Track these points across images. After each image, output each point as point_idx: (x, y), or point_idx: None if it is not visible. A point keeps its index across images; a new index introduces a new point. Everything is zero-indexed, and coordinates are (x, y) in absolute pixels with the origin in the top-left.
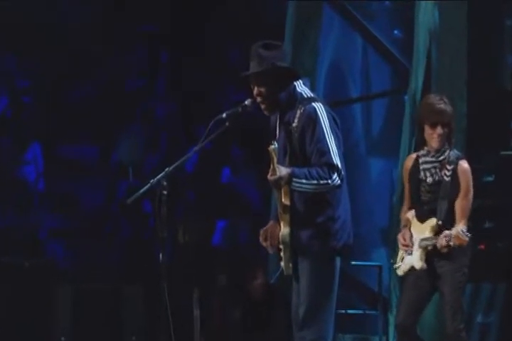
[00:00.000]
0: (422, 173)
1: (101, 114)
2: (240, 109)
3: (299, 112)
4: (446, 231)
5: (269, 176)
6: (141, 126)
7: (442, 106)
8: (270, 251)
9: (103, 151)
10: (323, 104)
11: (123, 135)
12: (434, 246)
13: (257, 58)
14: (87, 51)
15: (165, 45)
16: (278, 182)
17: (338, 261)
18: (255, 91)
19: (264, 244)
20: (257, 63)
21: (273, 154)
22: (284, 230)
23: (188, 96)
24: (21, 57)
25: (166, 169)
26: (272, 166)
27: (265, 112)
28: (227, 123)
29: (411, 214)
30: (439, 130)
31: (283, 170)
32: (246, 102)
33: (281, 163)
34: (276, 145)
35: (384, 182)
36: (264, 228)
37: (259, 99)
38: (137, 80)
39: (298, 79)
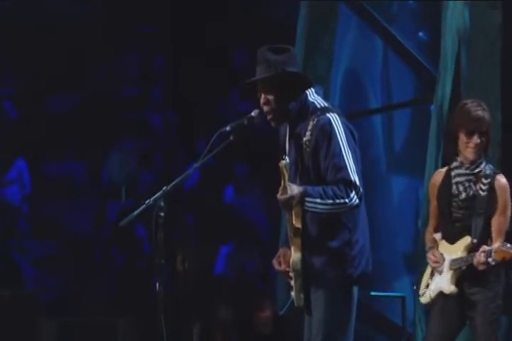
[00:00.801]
0: (454, 187)
1: (89, 126)
2: (245, 121)
3: (311, 124)
4: (485, 246)
5: (278, 195)
6: (135, 139)
7: (480, 112)
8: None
9: (92, 168)
10: (338, 115)
11: (114, 150)
12: (468, 267)
13: (265, 63)
14: (75, 55)
15: (161, 48)
16: (289, 202)
17: (355, 290)
18: (262, 99)
19: (278, 268)
20: (265, 68)
21: (284, 170)
22: (295, 256)
23: (187, 106)
24: (2, 63)
25: (164, 188)
26: (282, 184)
27: (273, 123)
28: (231, 137)
29: (438, 236)
30: (475, 139)
31: (295, 189)
32: (252, 113)
33: (291, 181)
34: (288, 160)
35: (407, 203)
36: (277, 254)
37: (266, 109)
38: (130, 88)
39: (310, 87)
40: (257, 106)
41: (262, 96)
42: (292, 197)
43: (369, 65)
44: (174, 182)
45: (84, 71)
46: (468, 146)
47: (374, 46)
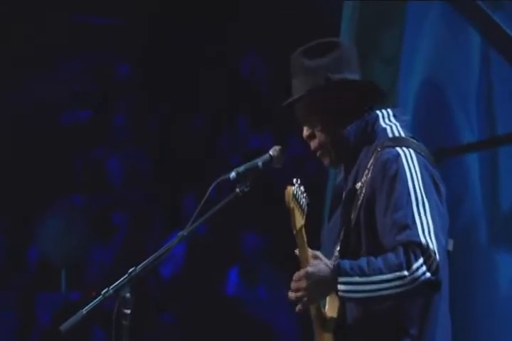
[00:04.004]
0: None
1: (10, 172)
2: (260, 164)
3: (371, 160)
4: None
5: (295, 276)
6: (84, 193)
7: None
8: None
9: (13, 242)
10: (418, 152)
11: (50, 211)
12: None
13: (301, 74)
14: None
15: (124, 50)
16: (312, 287)
17: None
18: (305, 130)
19: None
20: (301, 82)
21: (296, 214)
22: None
23: (165, 139)
24: None
25: (130, 270)
26: (299, 250)
27: (326, 163)
28: (237, 189)
29: None
30: None
31: (320, 265)
32: (271, 152)
33: (328, 248)
34: (298, 188)
35: None
36: None
37: (314, 145)
38: (77, 110)
39: (378, 100)
40: (280, 138)
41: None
42: (315, 277)
43: (458, 74)
44: (146, 262)
45: (9, 83)
46: None
47: (466, 46)
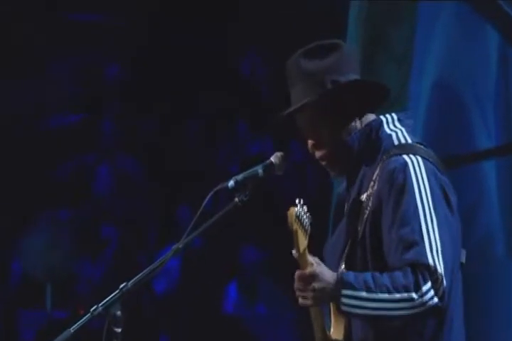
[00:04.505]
0: None
1: None
2: (260, 172)
3: (377, 170)
4: None
5: (296, 280)
6: (71, 205)
7: None
8: None
9: None
10: (427, 159)
11: (34, 224)
12: None
13: (300, 78)
14: None
15: (115, 50)
16: (319, 296)
17: None
18: (309, 142)
19: None
20: (302, 88)
21: (297, 229)
22: None
23: (158, 145)
24: None
25: (121, 286)
26: (299, 257)
27: (332, 173)
28: (236, 199)
29: None
30: None
31: (326, 274)
32: (273, 158)
33: (332, 264)
34: (301, 208)
35: None
36: None
37: (319, 154)
38: (64, 114)
39: (383, 101)
40: (281, 144)
41: (307, 134)
42: (320, 284)
43: (474, 75)
44: (139, 277)
45: None
46: None
47: (483, 46)
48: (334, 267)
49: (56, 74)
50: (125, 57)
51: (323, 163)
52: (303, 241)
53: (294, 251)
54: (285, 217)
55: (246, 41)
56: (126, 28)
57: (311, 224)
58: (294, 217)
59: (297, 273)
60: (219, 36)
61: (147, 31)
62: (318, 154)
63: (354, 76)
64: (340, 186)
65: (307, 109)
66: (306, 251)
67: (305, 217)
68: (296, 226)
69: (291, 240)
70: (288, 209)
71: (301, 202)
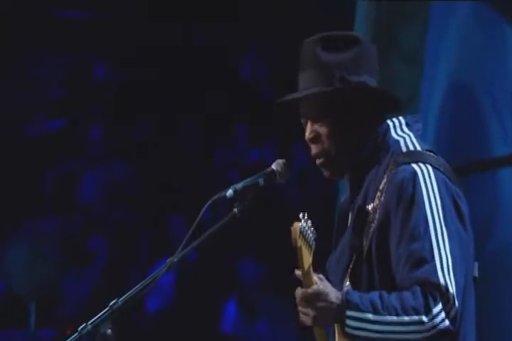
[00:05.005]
0: None
1: None
2: (261, 180)
3: (385, 180)
4: None
5: (298, 298)
6: (56, 215)
7: None
8: None
9: None
10: (437, 167)
11: (16, 237)
12: None
13: (311, 65)
14: None
15: (103, 49)
16: (322, 317)
17: None
18: (308, 132)
19: None
20: (313, 77)
21: (301, 245)
22: None
23: (150, 151)
24: None
25: (111, 303)
26: (301, 272)
27: (326, 174)
28: (234, 209)
29: None
30: None
31: (330, 293)
32: (274, 166)
33: (335, 280)
34: (306, 223)
35: None
36: None
37: (315, 150)
38: (48, 120)
39: (395, 111)
40: (284, 151)
41: (308, 125)
42: (325, 303)
43: (491, 78)
44: (130, 294)
45: None
46: None
47: (502, 47)
48: (338, 283)
49: (38, 75)
50: (114, 57)
51: (318, 161)
52: (307, 258)
53: (297, 271)
54: (287, 229)
55: (246, 41)
56: (116, 26)
57: (315, 239)
58: (298, 233)
59: (300, 291)
60: (217, 36)
61: (139, 30)
62: (314, 149)
63: (367, 77)
64: (343, 195)
65: (310, 102)
66: (311, 269)
67: (309, 232)
68: (300, 242)
69: (294, 256)
70: (291, 224)
71: (306, 217)
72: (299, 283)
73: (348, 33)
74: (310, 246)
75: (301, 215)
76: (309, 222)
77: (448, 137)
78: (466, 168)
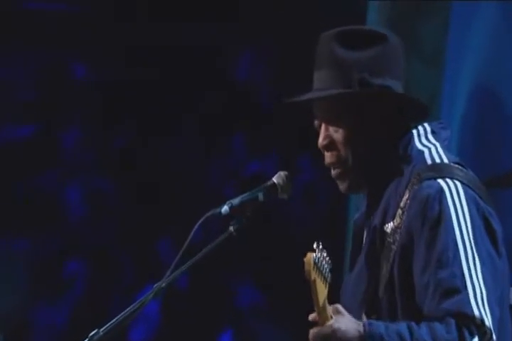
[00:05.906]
0: None
1: None
2: (261, 195)
3: (406, 196)
4: None
5: (312, 338)
6: (26, 235)
7: None
8: None
9: None
10: (466, 184)
11: None
12: None
13: (329, 64)
14: None
15: (82, 46)
16: None
17: None
18: (322, 136)
19: None
20: (327, 75)
21: (315, 278)
22: None
23: (135, 161)
24: None
25: (91, 334)
26: (318, 310)
27: (341, 186)
28: (231, 228)
29: None
30: None
31: (349, 327)
32: (275, 179)
33: (351, 307)
34: (320, 253)
35: None
36: None
37: (329, 158)
38: (21, 125)
39: (421, 120)
40: (288, 163)
41: (322, 130)
42: (338, 335)
43: None
44: (112, 324)
45: None
46: None
47: None
48: (355, 313)
49: (7, 76)
50: (94, 56)
51: (333, 172)
52: (322, 292)
53: (311, 315)
54: (291, 251)
55: (247, 42)
56: (96, 20)
57: (330, 270)
58: (312, 265)
59: (314, 330)
60: (213, 36)
61: (122, 26)
62: (328, 159)
63: (391, 80)
64: (358, 212)
65: (324, 105)
66: (326, 303)
67: (324, 262)
68: (314, 275)
69: (308, 290)
70: (305, 255)
71: (320, 246)
72: (302, 309)
73: (372, 29)
74: (325, 279)
75: (315, 245)
76: (324, 251)
77: (472, 146)
78: (493, 181)
